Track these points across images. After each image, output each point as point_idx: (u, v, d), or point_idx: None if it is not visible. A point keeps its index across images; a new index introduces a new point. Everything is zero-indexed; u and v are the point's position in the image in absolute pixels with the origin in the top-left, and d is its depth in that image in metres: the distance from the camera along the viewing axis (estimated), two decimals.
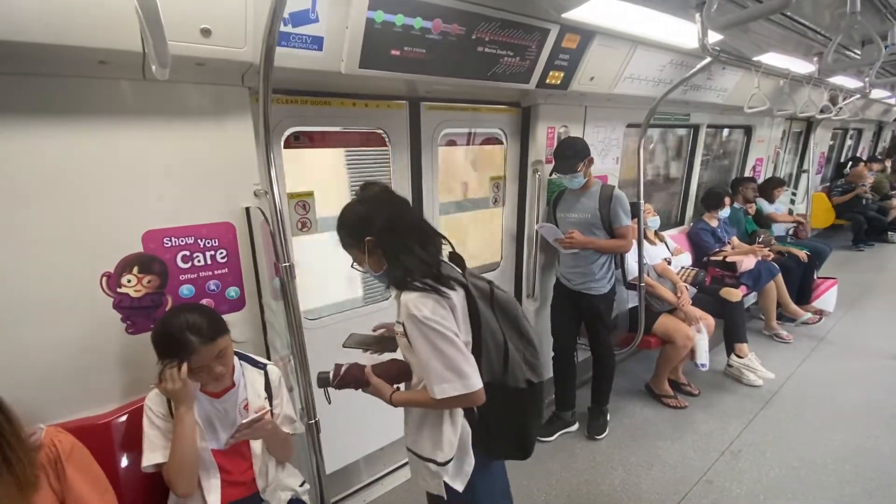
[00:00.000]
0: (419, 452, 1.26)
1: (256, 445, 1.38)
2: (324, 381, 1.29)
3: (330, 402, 1.31)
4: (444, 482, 1.21)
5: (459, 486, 1.22)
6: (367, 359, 1.35)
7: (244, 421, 1.26)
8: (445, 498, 1.24)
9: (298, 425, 1.48)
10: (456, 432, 1.20)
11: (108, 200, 1.33)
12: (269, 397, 1.43)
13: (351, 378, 1.27)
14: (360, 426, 2.24)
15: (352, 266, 1.26)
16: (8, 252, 1.20)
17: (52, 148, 1.23)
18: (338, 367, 1.29)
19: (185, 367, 1.22)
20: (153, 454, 1.26)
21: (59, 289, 1.29)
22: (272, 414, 1.41)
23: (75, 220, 1.29)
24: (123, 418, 1.40)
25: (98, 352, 1.37)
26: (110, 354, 1.40)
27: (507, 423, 1.24)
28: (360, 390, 1.30)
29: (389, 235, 1.16)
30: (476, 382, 1.10)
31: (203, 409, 1.32)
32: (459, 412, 1.22)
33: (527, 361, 1.25)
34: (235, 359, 1.41)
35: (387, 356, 1.37)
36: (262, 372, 1.45)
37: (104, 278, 1.35)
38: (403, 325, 1.13)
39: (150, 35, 0.87)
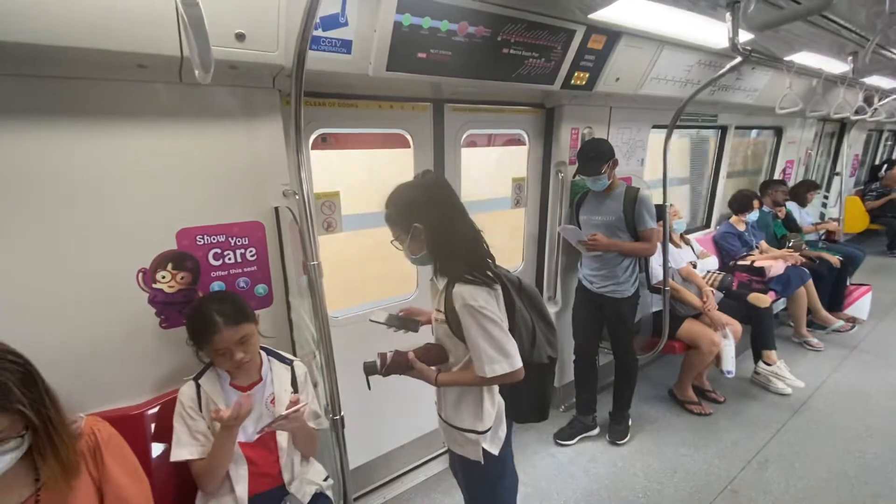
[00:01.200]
0: (459, 425, 1.39)
1: (283, 439, 1.42)
2: (371, 369, 1.35)
3: (370, 389, 1.37)
4: (483, 448, 1.35)
5: (495, 451, 1.38)
6: (392, 341, 1.45)
7: (283, 413, 1.30)
8: (482, 462, 1.37)
9: (323, 420, 1.51)
10: (494, 404, 1.38)
11: (143, 199, 1.38)
12: (296, 392, 1.46)
13: (397, 365, 1.35)
14: (383, 423, 2.27)
15: (391, 242, 1.36)
16: (50, 249, 1.26)
17: (89, 149, 1.28)
18: (382, 355, 1.36)
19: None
20: (179, 450, 1.32)
21: (97, 284, 1.34)
22: None
23: (113, 218, 1.34)
24: (156, 409, 1.44)
25: (134, 345, 1.42)
26: (145, 347, 1.45)
27: (531, 392, 1.43)
28: (403, 375, 1.38)
29: (441, 228, 1.28)
30: (519, 362, 1.25)
31: (231, 400, 1.35)
32: (496, 387, 1.39)
33: (548, 340, 1.44)
34: (263, 354, 1.45)
35: (418, 340, 1.47)
36: (289, 367, 1.48)
37: (140, 274, 1.40)
38: (447, 311, 1.27)
39: (195, 40, 0.90)
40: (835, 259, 3.89)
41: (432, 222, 1.27)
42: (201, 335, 1.31)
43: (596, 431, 2.67)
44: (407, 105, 2.07)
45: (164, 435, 1.39)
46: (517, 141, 2.64)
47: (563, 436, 2.63)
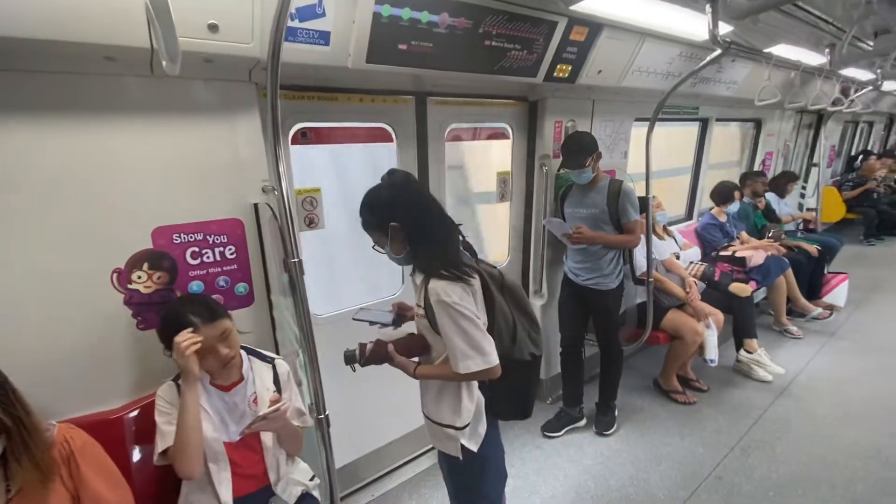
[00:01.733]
0: (438, 420, 1.38)
1: (267, 439, 1.39)
2: (350, 359, 1.36)
3: (355, 371, 1.39)
4: (461, 444, 1.35)
5: (474, 447, 1.37)
6: (382, 333, 1.43)
7: (261, 413, 1.27)
8: (461, 458, 1.37)
9: (307, 418, 1.49)
10: (472, 401, 1.35)
11: (116, 197, 1.33)
12: (278, 391, 1.44)
13: (376, 355, 1.36)
14: (370, 420, 2.25)
15: (372, 247, 1.36)
16: (19, 249, 1.21)
17: (60, 145, 1.23)
18: (362, 345, 1.37)
19: (196, 342, 1.23)
20: (164, 440, 1.27)
21: (69, 285, 1.30)
22: None
23: (84, 217, 1.29)
24: (135, 413, 1.41)
25: (109, 348, 1.38)
26: (122, 350, 1.41)
27: (512, 389, 1.40)
28: (383, 365, 1.38)
29: (415, 224, 1.27)
30: (495, 359, 1.24)
31: (213, 402, 1.33)
32: (475, 383, 1.36)
33: (530, 337, 1.40)
34: (243, 353, 1.42)
35: (399, 331, 1.46)
36: (271, 366, 1.46)
37: (115, 274, 1.36)
38: (426, 308, 1.26)
39: (160, 29, 0.87)
40: (813, 248, 3.97)
41: (407, 220, 1.26)
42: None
43: (583, 423, 2.70)
44: (389, 98, 2.04)
45: (145, 438, 1.35)
46: (501, 135, 2.63)
47: (550, 428, 2.64)
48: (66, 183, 1.25)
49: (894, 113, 7.94)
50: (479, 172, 2.63)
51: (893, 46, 2.45)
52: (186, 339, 1.22)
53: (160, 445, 1.27)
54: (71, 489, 1.10)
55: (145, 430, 1.35)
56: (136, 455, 1.40)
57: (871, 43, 3.16)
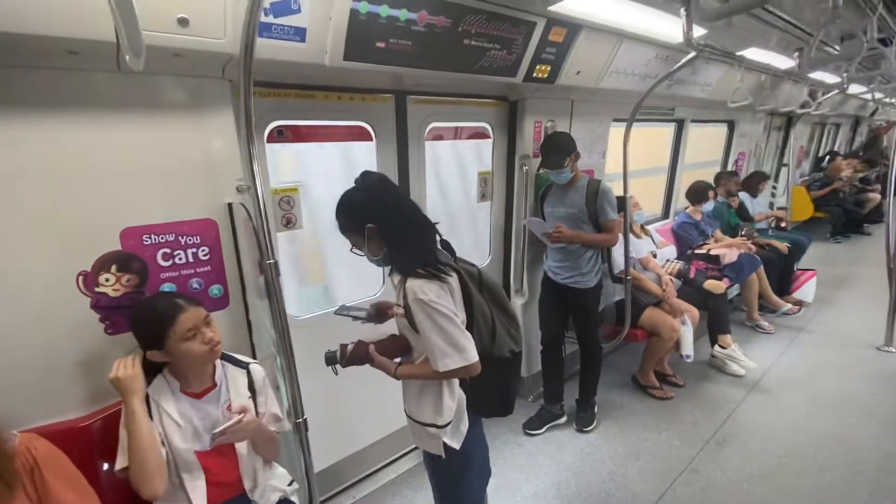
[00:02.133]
0: (420, 419, 1.38)
1: (241, 446, 1.35)
2: (331, 360, 1.37)
3: (337, 374, 1.39)
4: (444, 442, 1.35)
5: (456, 445, 1.37)
6: (363, 335, 1.43)
7: (216, 430, 1.23)
8: (444, 456, 1.37)
9: (285, 423, 1.46)
10: (454, 399, 1.36)
11: (82, 197, 1.28)
12: (254, 396, 1.40)
13: (357, 356, 1.36)
14: (349, 422, 2.22)
15: (351, 250, 1.35)
16: None
17: (22, 143, 1.18)
18: (343, 346, 1.37)
19: (138, 358, 1.26)
20: (125, 454, 1.23)
21: (31, 289, 1.24)
22: (257, 413, 1.38)
23: (49, 217, 1.24)
24: (103, 421, 1.36)
25: (75, 353, 1.33)
26: (88, 356, 1.35)
27: (493, 386, 1.40)
28: (364, 366, 1.38)
29: (391, 224, 1.28)
30: (473, 356, 1.24)
31: (184, 411, 1.29)
32: (455, 381, 1.37)
33: (510, 334, 1.41)
34: (217, 359, 1.38)
35: (380, 333, 1.46)
36: (245, 371, 1.42)
37: (80, 277, 1.31)
38: (405, 307, 1.26)
39: (122, 22, 0.83)
40: (783, 246, 4.10)
41: (383, 220, 1.27)
42: (165, 319, 1.22)
43: (563, 420, 2.72)
44: (368, 96, 2.01)
45: (114, 447, 1.30)
46: (482, 134, 2.63)
47: (531, 425, 2.66)
48: (28, 182, 1.20)
49: (859, 115, 8.26)
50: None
51: (858, 51, 2.54)
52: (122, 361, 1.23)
53: (122, 460, 1.23)
54: (35, 500, 1.06)
55: (114, 438, 1.29)
56: (105, 465, 1.35)
57: (838, 47, 3.28)
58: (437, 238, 1.36)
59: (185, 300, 1.27)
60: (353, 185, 1.33)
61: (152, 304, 1.28)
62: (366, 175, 1.32)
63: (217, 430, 1.23)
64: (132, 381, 1.23)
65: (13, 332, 1.23)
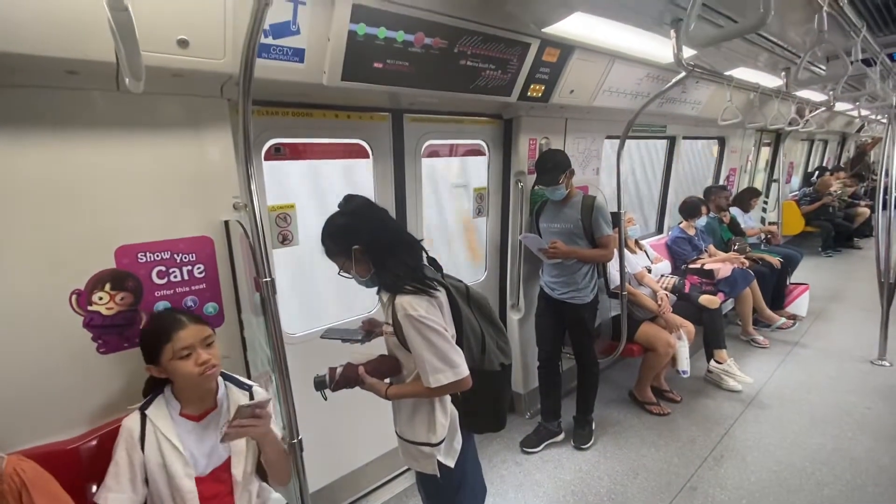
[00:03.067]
0: (413, 439, 1.37)
1: (238, 472, 1.31)
2: (320, 384, 1.36)
3: (326, 399, 1.37)
4: (438, 461, 1.34)
5: (451, 463, 1.37)
6: (349, 356, 1.42)
7: (244, 405, 1.21)
8: (439, 476, 1.36)
9: (283, 447, 1.43)
10: (446, 416, 1.35)
11: (77, 215, 1.27)
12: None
13: (346, 379, 1.35)
14: (345, 442, 2.19)
15: (339, 273, 1.36)
16: None
17: (18, 161, 1.18)
18: (332, 370, 1.36)
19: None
20: (118, 495, 1.18)
21: (22, 308, 1.22)
22: None
23: (42, 235, 1.23)
24: (94, 443, 1.33)
25: (65, 373, 1.30)
26: (79, 376, 1.33)
27: (485, 401, 1.40)
28: (354, 388, 1.37)
29: (377, 244, 1.30)
30: (465, 370, 1.24)
31: (183, 435, 1.26)
32: (447, 398, 1.36)
33: (499, 347, 1.42)
34: (220, 379, 1.36)
35: (370, 354, 1.44)
36: (248, 393, 1.39)
37: (74, 296, 1.30)
38: (394, 324, 1.27)
39: (123, 47, 0.84)
40: (775, 260, 4.14)
41: (368, 241, 1.29)
42: (162, 334, 1.21)
43: (561, 437, 2.70)
44: (365, 115, 2.03)
45: (104, 470, 1.27)
46: (478, 152, 2.66)
47: (528, 443, 2.63)
48: (23, 200, 1.19)
49: (846, 132, 8.43)
50: None
51: (843, 73, 2.60)
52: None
53: (110, 486, 1.19)
54: None
55: (105, 460, 1.27)
56: (94, 487, 1.31)
57: (824, 67, 3.36)
58: (424, 255, 1.38)
59: (190, 318, 1.27)
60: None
61: (157, 318, 1.32)
62: (349, 198, 1.35)
63: (246, 405, 1.21)
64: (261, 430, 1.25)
65: (0, 351, 1.21)
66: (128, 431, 1.23)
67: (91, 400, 1.36)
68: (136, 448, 1.22)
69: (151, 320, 1.35)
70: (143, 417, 1.24)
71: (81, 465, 1.30)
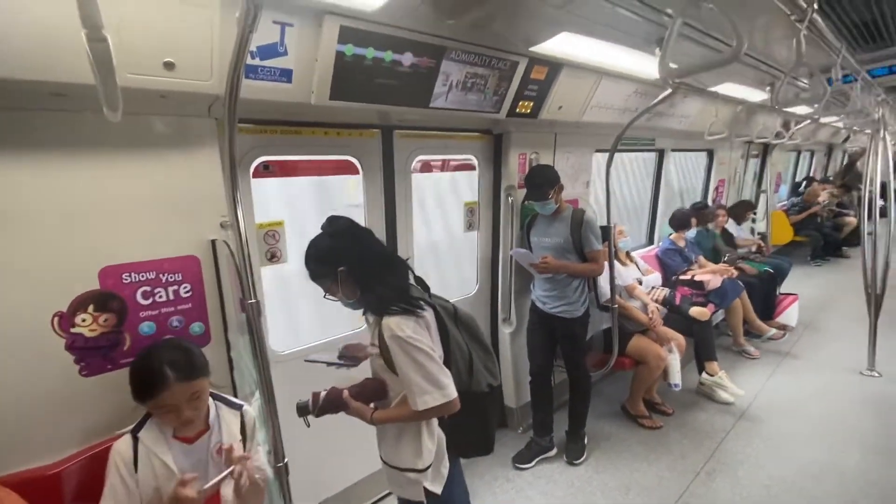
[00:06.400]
0: (398, 465, 1.34)
1: (227, 492, 1.29)
2: (303, 410, 1.33)
3: (309, 426, 1.34)
4: (424, 487, 1.31)
5: (438, 489, 1.33)
6: (335, 379, 1.40)
7: (206, 486, 1.16)
8: (425, 502, 1.32)
9: (267, 472, 1.40)
10: (433, 440, 1.32)
11: (61, 235, 1.27)
12: (244, 440, 1.36)
13: (330, 404, 1.32)
14: (332, 461, 2.16)
15: (324, 296, 1.33)
16: None
17: (1, 182, 1.17)
18: (315, 394, 1.34)
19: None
20: None
21: (1, 330, 1.21)
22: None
23: (23, 256, 1.22)
24: (75, 468, 1.30)
25: (46, 397, 1.28)
26: (61, 399, 1.31)
27: (472, 424, 1.37)
28: (339, 413, 1.34)
29: (362, 266, 1.28)
30: (453, 392, 1.23)
31: (178, 458, 1.24)
32: (434, 421, 1.33)
33: (487, 368, 1.41)
34: (211, 400, 1.34)
35: (353, 378, 1.41)
36: (238, 413, 1.38)
37: (56, 318, 1.28)
38: (381, 346, 1.25)
39: (100, 77, 0.84)
40: (751, 269, 4.16)
41: (353, 263, 1.27)
42: (146, 389, 1.18)
43: (553, 452, 2.68)
44: (354, 131, 2.04)
45: (87, 496, 1.25)
46: (468, 166, 2.67)
47: (521, 459, 2.61)
48: (4, 220, 1.18)
49: (832, 143, 8.57)
50: None
51: (824, 94, 2.66)
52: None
53: None
54: None
55: (88, 486, 1.25)
56: None
57: (807, 82, 3.42)
58: (410, 274, 1.37)
59: (178, 371, 1.18)
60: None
61: (146, 365, 1.20)
62: (332, 220, 1.33)
63: (207, 486, 1.17)
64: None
65: None
66: (119, 455, 1.21)
67: (74, 423, 1.34)
68: (130, 472, 1.20)
69: (142, 362, 1.23)
70: (136, 440, 1.23)
71: (63, 491, 1.28)
